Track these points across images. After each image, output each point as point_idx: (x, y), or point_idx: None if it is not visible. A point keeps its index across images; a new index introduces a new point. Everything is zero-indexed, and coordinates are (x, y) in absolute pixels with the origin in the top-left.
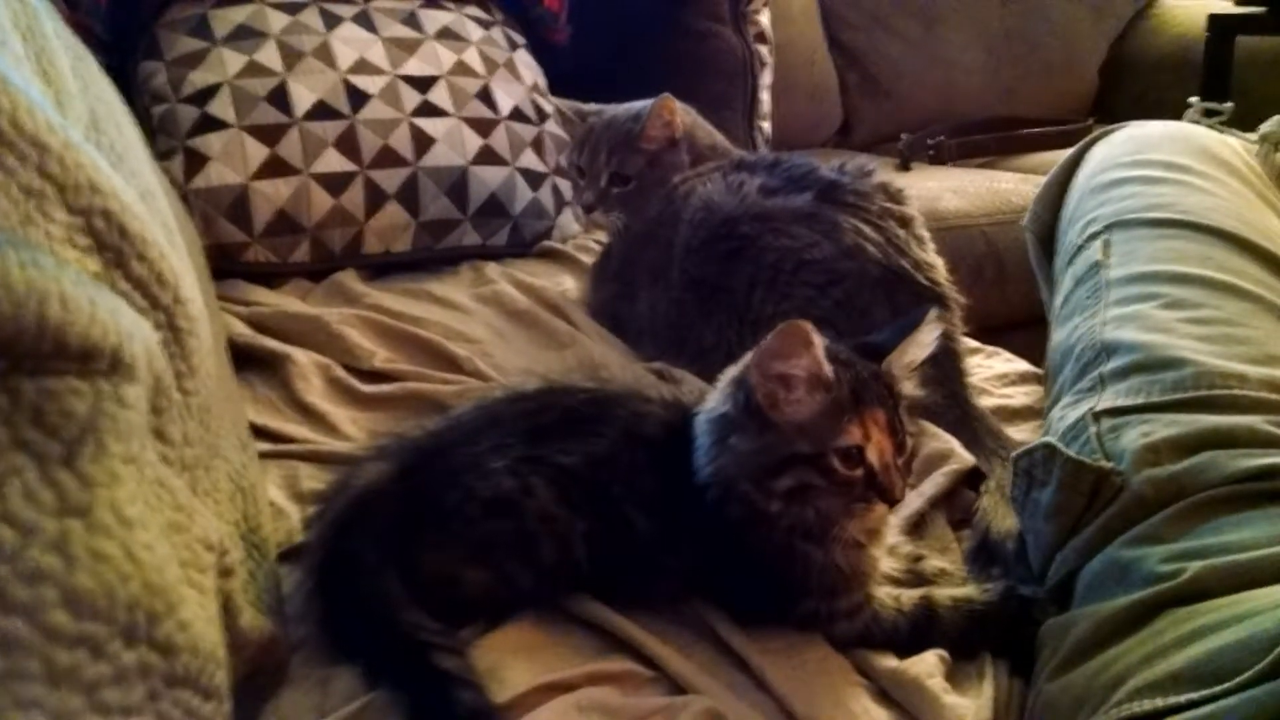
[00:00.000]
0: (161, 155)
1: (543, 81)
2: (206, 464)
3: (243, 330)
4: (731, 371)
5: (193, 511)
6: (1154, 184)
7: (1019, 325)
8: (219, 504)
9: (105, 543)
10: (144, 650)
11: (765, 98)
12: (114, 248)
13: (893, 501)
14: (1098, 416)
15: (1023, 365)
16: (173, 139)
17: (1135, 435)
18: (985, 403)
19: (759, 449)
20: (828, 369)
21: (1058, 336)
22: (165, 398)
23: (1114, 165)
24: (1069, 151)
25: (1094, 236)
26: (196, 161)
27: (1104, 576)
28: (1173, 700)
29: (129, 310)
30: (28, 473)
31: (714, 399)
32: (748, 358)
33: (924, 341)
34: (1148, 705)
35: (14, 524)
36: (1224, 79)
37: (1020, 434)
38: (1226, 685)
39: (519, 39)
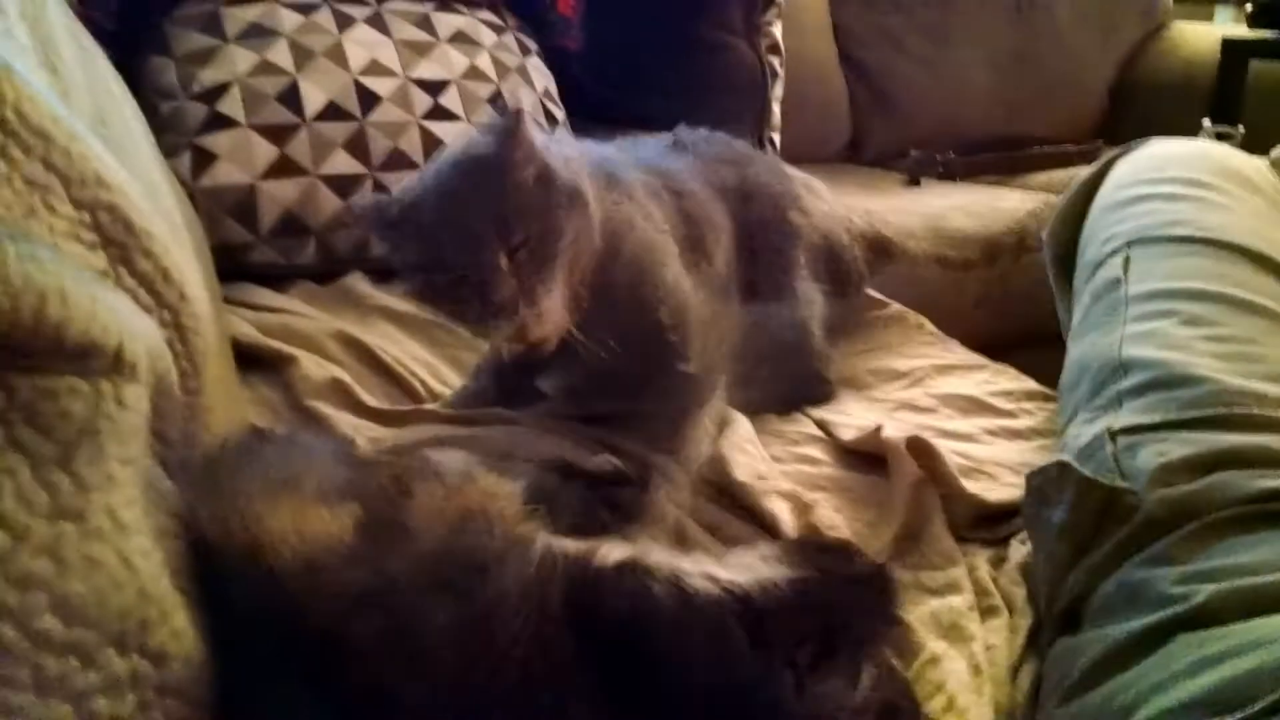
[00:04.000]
0: (168, 152)
1: (553, 88)
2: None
3: (247, 331)
4: None
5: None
6: (1174, 201)
7: (1024, 344)
8: None
9: (99, 548)
10: (135, 658)
11: (776, 109)
12: (119, 243)
13: None
14: (1114, 435)
15: (1030, 384)
16: (180, 136)
17: (1150, 454)
18: (992, 422)
19: None
20: None
21: (1074, 353)
22: (167, 398)
23: (1134, 182)
24: (1088, 168)
25: (1113, 253)
26: (204, 160)
27: (1115, 599)
28: None
29: (133, 308)
30: (21, 474)
31: None
32: None
33: None
34: None
35: (6, 526)
36: (1235, 103)
37: (1027, 454)
38: (1238, 715)
39: (531, 45)
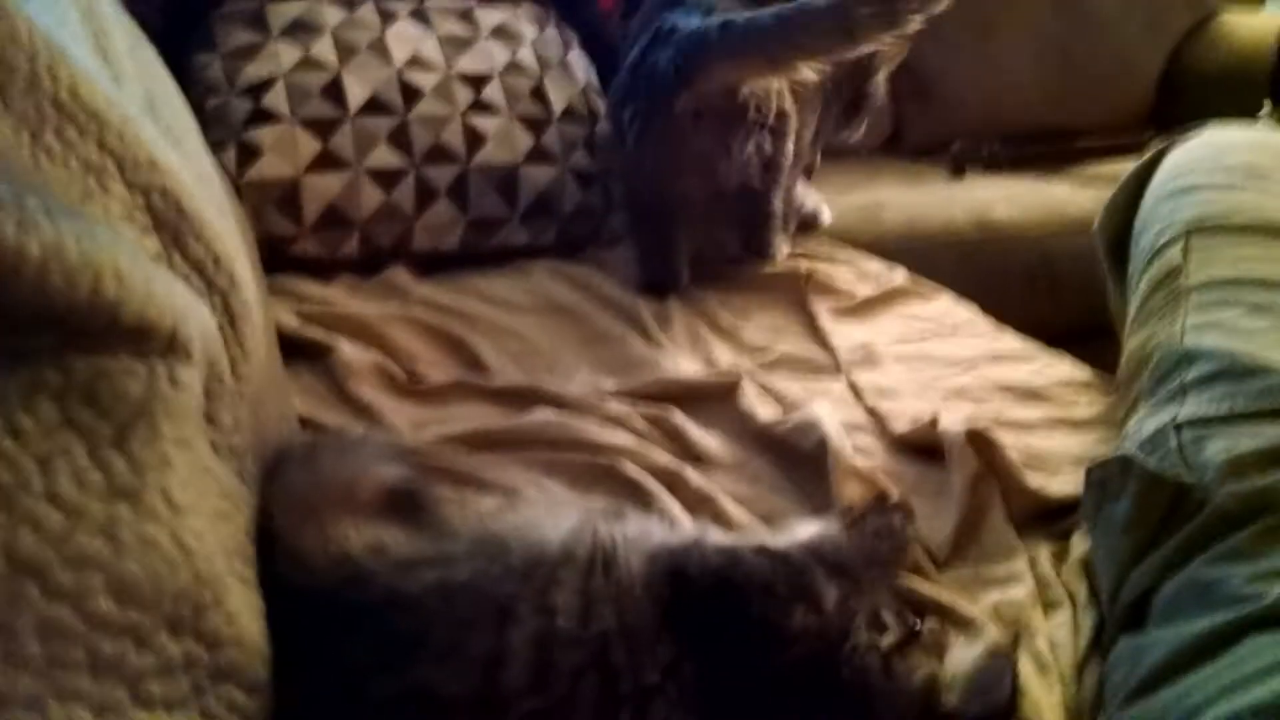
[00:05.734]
0: (214, 147)
1: (595, 80)
2: (256, 452)
3: (290, 321)
4: None
5: (239, 500)
6: (1234, 190)
7: (1072, 336)
8: None
9: (154, 529)
10: (190, 642)
11: None
12: (172, 227)
13: None
14: (1180, 427)
15: (1087, 373)
16: (226, 131)
17: (1219, 447)
18: (1050, 411)
19: None
20: None
21: (1132, 344)
22: (218, 381)
23: (1192, 170)
24: (1142, 157)
25: (1171, 242)
26: (249, 154)
27: (1183, 596)
28: None
29: (186, 290)
30: (77, 453)
31: None
32: None
33: None
34: None
35: (61, 506)
36: None
37: (1087, 445)
38: None
39: (572, 37)
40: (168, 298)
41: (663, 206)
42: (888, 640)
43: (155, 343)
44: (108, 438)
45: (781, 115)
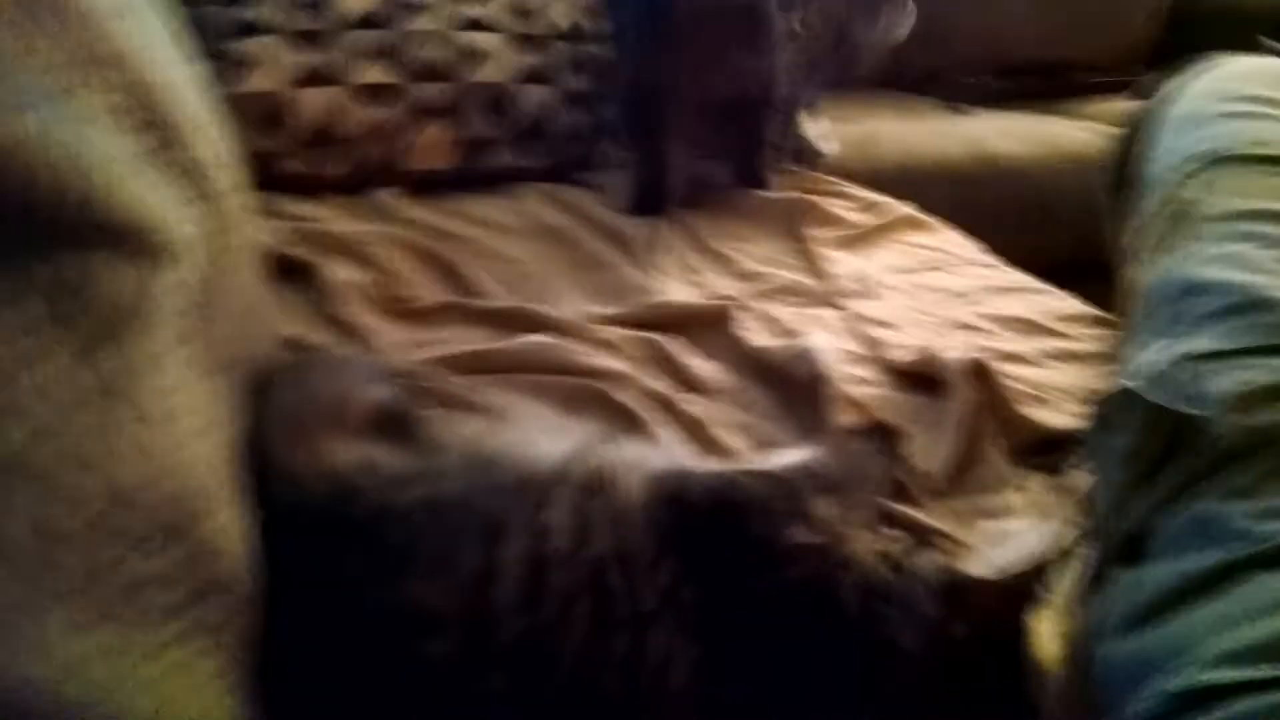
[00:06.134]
0: (199, 58)
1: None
2: (238, 371)
3: (276, 240)
4: None
5: (219, 417)
6: (1248, 119)
7: (1064, 272)
8: None
9: (147, 433)
10: (184, 550)
11: None
12: (160, 128)
13: None
14: (1183, 360)
15: (1087, 308)
16: (209, 43)
17: (1230, 381)
18: (1050, 344)
19: None
20: None
21: (1141, 275)
22: (200, 293)
23: (1208, 99)
24: (1142, 92)
25: (1182, 173)
26: (233, 67)
27: (1185, 531)
28: (1252, 674)
29: (167, 194)
30: (67, 351)
31: None
32: None
33: None
34: (1224, 676)
35: (51, 403)
36: None
37: (1087, 379)
38: None
39: None
40: (143, 199)
41: (656, 114)
42: (896, 546)
43: (143, 244)
44: (98, 336)
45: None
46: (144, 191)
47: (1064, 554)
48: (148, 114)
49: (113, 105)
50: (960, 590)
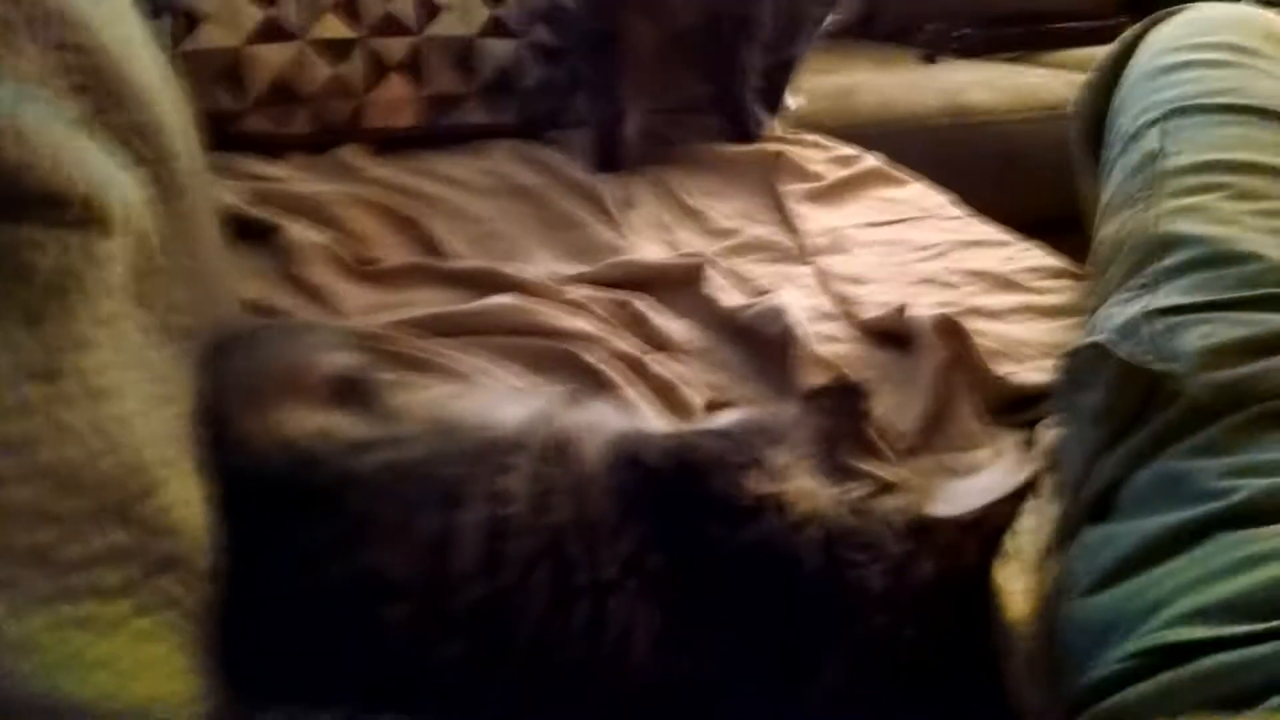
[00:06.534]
0: (148, 14)
1: None
2: (198, 335)
3: (236, 201)
4: None
5: (177, 384)
6: (1218, 67)
7: (1040, 226)
8: None
9: (70, 414)
10: (122, 533)
11: None
12: (94, 91)
13: None
14: (1152, 315)
15: (1057, 261)
16: None
17: (1194, 336)
18: (1019, 299)
19: None
20: None
21: (1106, 230)
22: (148, 259)
23: (1173, 48)
24: (1122, 35)
25: (1151, 124)
26: (187, 22)
27: (1152, 489)
28: (1217, 632)
29: (106, 159)
30: (3, 325)
31: None
32: None
33: None
34: (1189, 634)
35: None
36: None
37: (1056, 333)
38: (1273, 623)
39: None
40: (81, 165)
41: (608, 63)
42: (857, 491)
43: (67, 213)
44: (15, 316)
45: None
46: (64, 155)
47: (1031, 500)
48: (87, 77)
49: (39, 67)
50: (925, 529)
